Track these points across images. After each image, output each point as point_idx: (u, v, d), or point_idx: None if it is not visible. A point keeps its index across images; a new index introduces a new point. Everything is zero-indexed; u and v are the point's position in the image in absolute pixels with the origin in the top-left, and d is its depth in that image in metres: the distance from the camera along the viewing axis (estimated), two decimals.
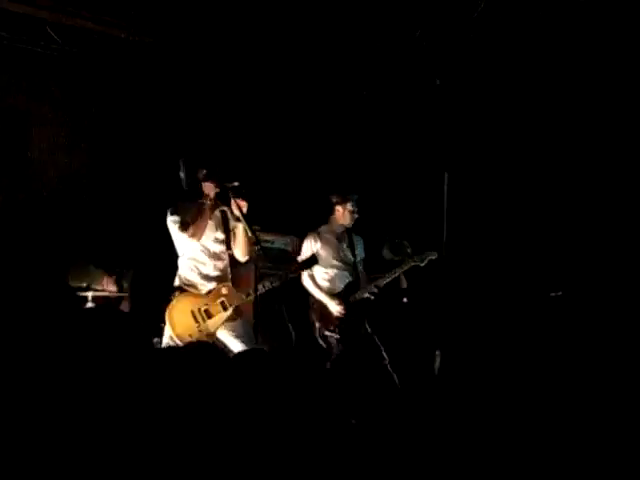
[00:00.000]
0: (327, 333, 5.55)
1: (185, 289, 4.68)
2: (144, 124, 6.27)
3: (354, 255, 5.77)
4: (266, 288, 4.74)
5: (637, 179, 5.93)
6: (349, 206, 5.73)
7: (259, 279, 4.61)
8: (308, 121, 6.96)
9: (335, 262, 5.69)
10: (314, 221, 5.89)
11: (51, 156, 6.03)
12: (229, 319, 4.66)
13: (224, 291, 4.70)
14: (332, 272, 5.68)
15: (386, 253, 6.64)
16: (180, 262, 4.76)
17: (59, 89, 6.05)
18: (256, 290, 4.54)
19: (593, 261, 6.08)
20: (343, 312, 5.53)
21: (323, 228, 5.81)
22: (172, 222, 4.67)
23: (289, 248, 6.28)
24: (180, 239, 4.71)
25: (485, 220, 6.61)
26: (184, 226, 4.62)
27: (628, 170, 5.99)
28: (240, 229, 4.69)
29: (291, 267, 5.17)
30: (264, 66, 6.41)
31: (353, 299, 5.61)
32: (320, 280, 5.67)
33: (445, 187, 6.48)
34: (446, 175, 6.67)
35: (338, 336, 5.51)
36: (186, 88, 6.38)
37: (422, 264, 5.67)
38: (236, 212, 4.58)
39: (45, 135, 6.02)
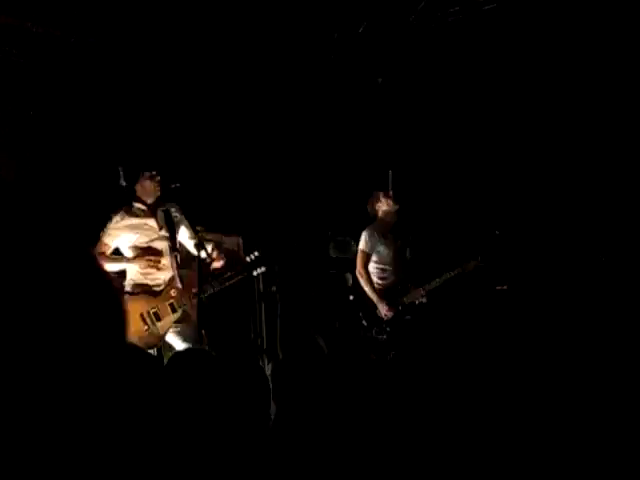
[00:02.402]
0: (374, 335, 5.51)
1: (134, 292, 4.59)
2: (81, 127, 6.09)
3: (405, 253, 5.74)
4: (215, 290, 4.68)
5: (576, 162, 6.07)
6: (384, 201, 5.72)
7: (204, 280, 4.54)
8: (249, 119, 6.88)
9: (389, 259, 5.66)
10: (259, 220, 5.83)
11: None
12: (178, 321, 4.60)
13: (173, 293, 4.62)
14: (387, 269, 5.65)
15: (332, 251, 6.64)
16: (128, 265, 4.66)
17: None
18: (202, 292, 4.47)
19: (538, 255, 6.18)
20: (390, 316, 5.48)
21: (376, 225, 5.75)
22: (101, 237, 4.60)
23: (236, 248, 6.20)
24: (121, 244, 4.64)
25: (429, 216, 6.66)
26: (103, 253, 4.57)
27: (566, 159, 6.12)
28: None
29: (237, 267, 5.05)
30: (195, 64, 6.30)
31: (402, 303, 5.57)
32: (374, 277, 5.62)
33: (390, 185, 6.51)
34: (390, 173, 6.71)
35: (385, 337, 5.48)
36: (123, 90, 6.23)
37: (469, 271, 5.61)
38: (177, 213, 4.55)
39: None
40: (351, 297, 5.82)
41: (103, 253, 4.55)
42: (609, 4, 5.53)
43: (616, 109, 5.85)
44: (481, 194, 6.62)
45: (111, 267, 4.53)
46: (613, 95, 5.82)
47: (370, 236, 5.71)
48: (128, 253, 4.64)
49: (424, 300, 5.58)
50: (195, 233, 4.49)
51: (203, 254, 4.47)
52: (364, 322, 5.54)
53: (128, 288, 4.61)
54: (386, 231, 5.73)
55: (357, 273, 5.68)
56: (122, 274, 4.66)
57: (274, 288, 6.05)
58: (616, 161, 5.87)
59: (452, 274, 5.61)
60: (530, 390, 4.73)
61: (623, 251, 5.72)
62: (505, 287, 6.17)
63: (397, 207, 5.70)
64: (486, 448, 3.81)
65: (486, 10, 5.88)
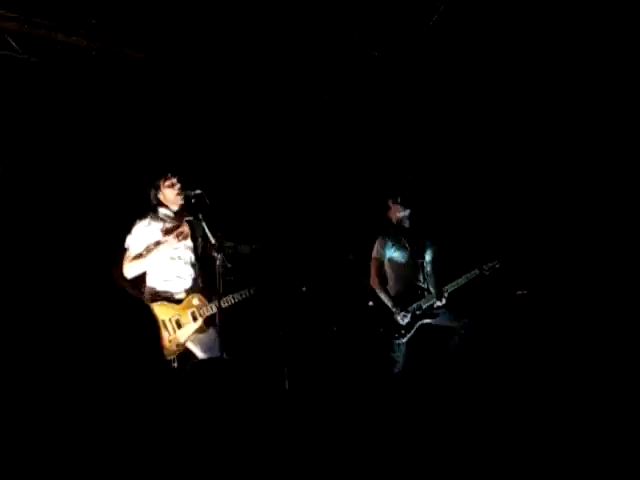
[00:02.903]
0: (394, 340, 5.52)
1: (156, 299, 4.59)
2: (102, 136, 6.15)
3: (422, 257, 5.74)
4: (236, 300, 4.71)
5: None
6: (393, 207, 5.75)
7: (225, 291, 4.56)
8: (265, 129, 6.92)
9: (404, 264, 5.67)
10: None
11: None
12: (199, 330, 4.63)
13: (195, 302, 4.66)
14: (402, 274, 5.67)
15: (350, 255, 6.68)
16: (149, 271, 4.68)
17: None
18: (220, 302, 4.44)
19: (560, 258, 6.15)
20: (406, 323, 5.50)
21: (390, 231, 5.77)
22: (127, 243, 4.63)
23: (254, 254, 6.22)
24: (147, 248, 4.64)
25: (448, 218, 6.65)
26: (129, 257, 4.58)
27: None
28: None
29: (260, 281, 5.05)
30: (218, 76, 6.33)
31: (419, 308, 5.58)
32: (390, 282, 5.65)
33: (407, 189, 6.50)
34: (410, 178, 6.72)
35: (404, 341, 5.50)
36: (143, 98, 6.28)
37: (487, 273, 5.60)
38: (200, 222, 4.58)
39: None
40: (370, 303, 5.82)
41: (130, 257, 4.58)
42: (609, 4, 5.48)
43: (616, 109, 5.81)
44: (501, 196, 6.60)
45: (138, 267, 4.57)
46: (613, 95, 5.78)
47: (381, 243, 5.73)
48: (152, 259, 4.65)
49: (442, 304, 5.56)
50: (216, 239, 4.50)
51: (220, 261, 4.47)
52: (380, 329, 5.55)
53: (149, 295, 4.63)
54: (400, 236, 5.73)
55: (371, 281, 5.70)
56: (142, 279, 4.71)
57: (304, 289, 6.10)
58: (623, 162, 5.83)
59: (470, 276, 5.61)
60: (547, 395, 4.72)
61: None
62: (525, 292, 6.13)
63: (407, 212, 5.71)
64: (496, 450, 3.81)
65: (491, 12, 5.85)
